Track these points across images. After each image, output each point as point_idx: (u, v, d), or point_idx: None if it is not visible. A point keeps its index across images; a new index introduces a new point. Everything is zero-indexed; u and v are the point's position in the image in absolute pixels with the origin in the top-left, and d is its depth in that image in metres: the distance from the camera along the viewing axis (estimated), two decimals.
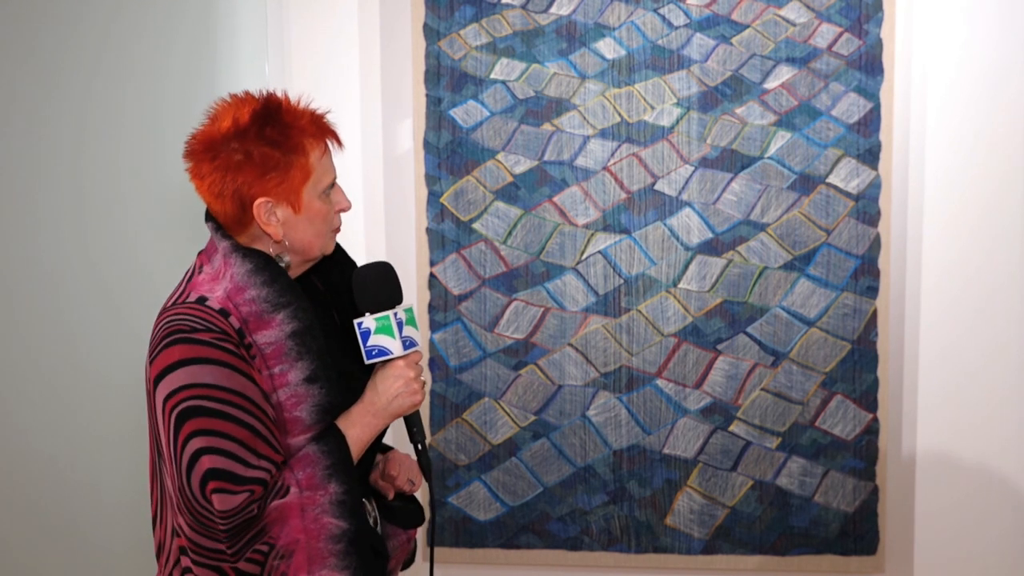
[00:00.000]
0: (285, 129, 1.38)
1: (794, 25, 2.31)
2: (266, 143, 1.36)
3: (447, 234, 2.39)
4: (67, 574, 2.38)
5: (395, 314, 1.46)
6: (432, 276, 2.39)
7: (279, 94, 1.43)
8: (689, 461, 2.36)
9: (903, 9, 2.28)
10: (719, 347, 2.34)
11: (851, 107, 2.30)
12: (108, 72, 2.36)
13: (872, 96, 2.29)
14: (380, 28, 2.40)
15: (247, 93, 1.42)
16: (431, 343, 2.40)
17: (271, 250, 1.42)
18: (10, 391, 2.39)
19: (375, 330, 1.45)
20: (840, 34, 2.30)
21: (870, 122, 2.29)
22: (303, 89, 2.41)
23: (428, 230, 2.40)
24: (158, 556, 1.43)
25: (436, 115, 2.38)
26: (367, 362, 1.46)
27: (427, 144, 2.39)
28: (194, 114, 1.48)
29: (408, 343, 1.46)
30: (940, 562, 2.35)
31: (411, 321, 1.48)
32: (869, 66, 2.29)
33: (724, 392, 2.34)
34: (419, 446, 1.53)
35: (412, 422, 1.52)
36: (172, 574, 1.38)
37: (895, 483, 2.35)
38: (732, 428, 2.35)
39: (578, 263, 2.36)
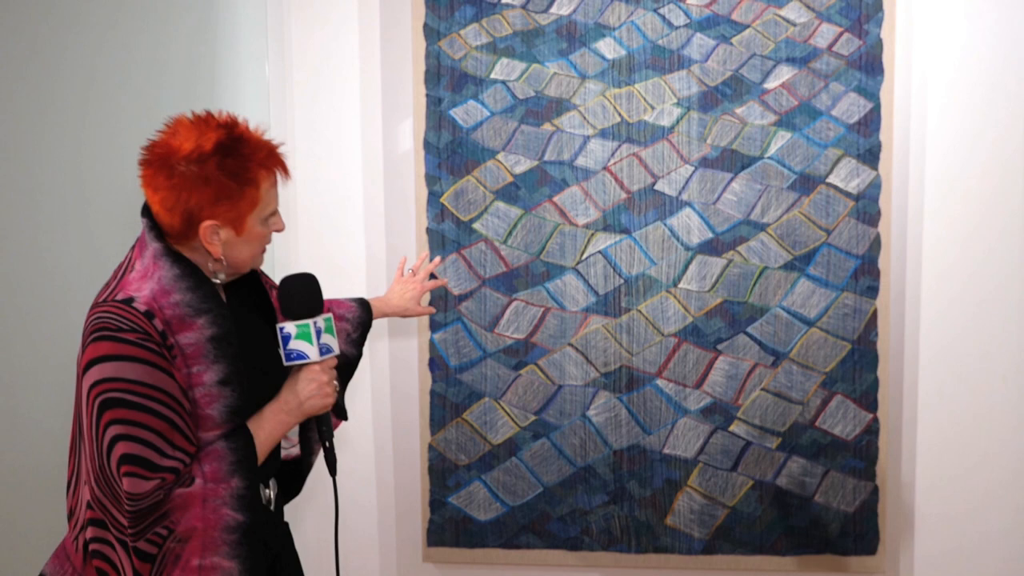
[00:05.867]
0: (243, 161, 1.47)
1: (794, 25, 2.31)
2: (225, 173, 1.46)
3: (447, 234, 2.39)
4: None
5: (315, 323, 1.57)
6: (432, 276, 2.39)
7: (240, 121, 1.51)
8: (689, 461, 2.36)
9: (903, 9, 2.28)
10: (719, 347, 2.34)
11: (851, 107, 2.30)
12: (108, 72, 2.36)
13: (872, 96, 2.29)
14: (380, 28, 2.40)
15: (209, 115, 1.51)
16: (431, 343, 2.40)
17: (210, 266, 1.53)
18: None
19: (295, 336, 1.57)
20: (840, 34, 2.30)
21: (870, 122, 2.29)
22: (303, 89, 2.42)
23: (428, 230, 2.40)
24: (69, 519, 1.56)
25: (436, 115, 2.38)
26: (285, 364, 1.58)
27: (427, 144, 2.38)
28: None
29: (324, 350, 1.58)
30: (940, 562, 2.35)
31: (329, 330, 1.60)
32: (869, 66, 2.29)
33: (724, 392, 2.34)
34: (326, 443, 1.66)
35: (322, 421, 1.65)
36: (78, 538, 1.51)
37: (895, 483, 2.35)
38: (732, 428, 2.35)
39: (578, 263, 2.36)
